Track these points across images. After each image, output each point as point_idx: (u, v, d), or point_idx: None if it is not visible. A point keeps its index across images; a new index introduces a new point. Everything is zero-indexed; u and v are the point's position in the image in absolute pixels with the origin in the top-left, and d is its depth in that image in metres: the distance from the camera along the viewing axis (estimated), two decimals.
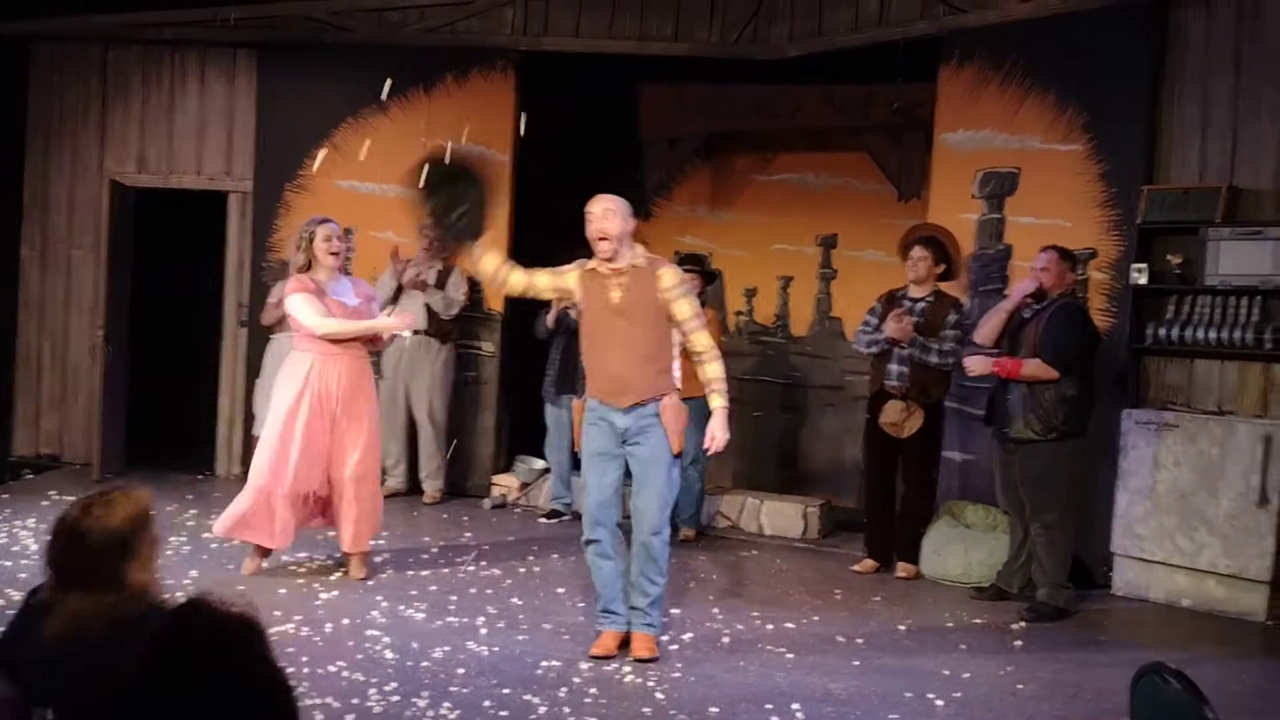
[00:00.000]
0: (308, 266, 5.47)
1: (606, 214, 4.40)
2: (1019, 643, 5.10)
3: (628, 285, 4.41)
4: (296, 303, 5.37)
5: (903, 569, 6.27)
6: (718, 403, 4.47)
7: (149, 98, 8.33)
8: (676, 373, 4.55)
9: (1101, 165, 6.34)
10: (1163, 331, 6.05)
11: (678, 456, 4.54)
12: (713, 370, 4.47)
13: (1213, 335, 5.90)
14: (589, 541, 4.56)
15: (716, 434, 4.45)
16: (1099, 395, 5.81)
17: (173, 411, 9.07)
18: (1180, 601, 5.84)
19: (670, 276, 4.47)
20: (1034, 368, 5.50)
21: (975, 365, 5.72)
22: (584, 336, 4.61)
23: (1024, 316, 5.78)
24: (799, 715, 3.96)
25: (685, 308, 4.45)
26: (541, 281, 4.59)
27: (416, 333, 7.67)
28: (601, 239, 4.40)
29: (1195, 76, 6.08)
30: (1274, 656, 5.15)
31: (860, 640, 4.97)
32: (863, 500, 6.59)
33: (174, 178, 8.33)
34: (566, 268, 4.58)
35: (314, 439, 5.37)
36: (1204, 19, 6.08)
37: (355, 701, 3.84)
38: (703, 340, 4.48)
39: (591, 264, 4.50)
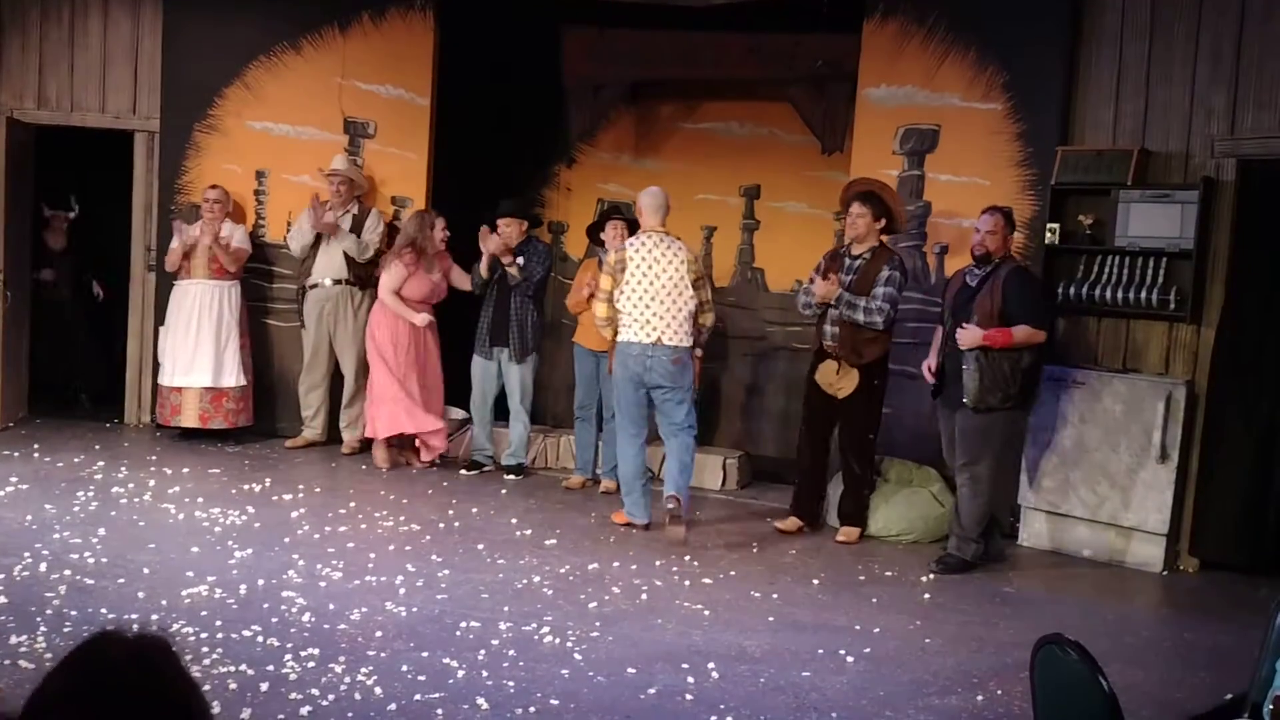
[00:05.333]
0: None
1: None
2: (927, 595, 5.25)
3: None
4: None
5: (844, 533, 6.17)
6: None
7: (49, 31, 7.95)
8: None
9: (1019, 125, 6.42)
10: (1073, 290, 6.18)
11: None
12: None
13: (1120, 295, 6.05)
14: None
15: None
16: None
17: (79, 357, 8.81)
18: (1082, 552, 6.06)
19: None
20: (1024, 334, 5.52)
21: (966, 338, 5.59)
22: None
23: (970, 285, 5.75)
24: (714, 675, 4.03)
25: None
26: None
27: (338, 282, 7.54)
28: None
29: (1111, 41, 6.16)
30: (1168, 607, 5.39)
31: (775, 595, 5.07)
32: (794, 454, 6.54)
33: (76, 115, 7.99)
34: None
35: None
36: None
37: (270, 668, 3.81)
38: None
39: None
